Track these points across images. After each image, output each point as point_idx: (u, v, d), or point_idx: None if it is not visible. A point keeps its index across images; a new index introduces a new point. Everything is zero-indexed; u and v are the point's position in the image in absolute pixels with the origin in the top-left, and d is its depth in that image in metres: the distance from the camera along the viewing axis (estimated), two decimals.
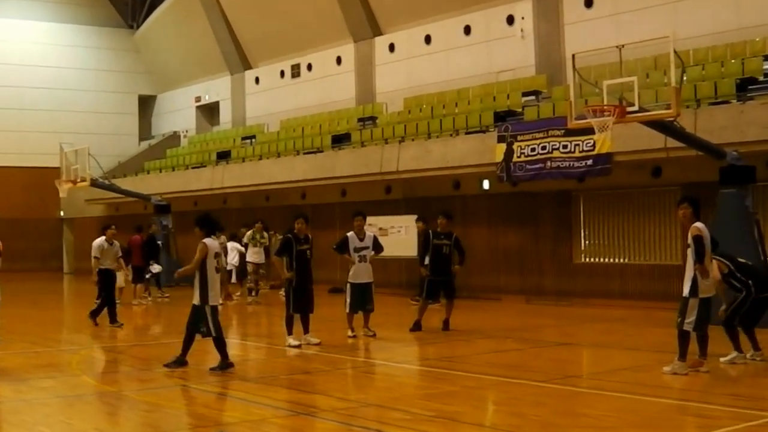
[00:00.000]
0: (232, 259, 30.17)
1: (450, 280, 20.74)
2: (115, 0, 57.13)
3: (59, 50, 54.10)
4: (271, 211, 36.03)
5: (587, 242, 28.51)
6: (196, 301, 14.79)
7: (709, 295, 13.96)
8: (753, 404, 11.97)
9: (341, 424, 10.96)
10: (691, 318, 13.79)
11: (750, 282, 15.11)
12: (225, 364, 14.81)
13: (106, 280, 22.87)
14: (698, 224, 13.91)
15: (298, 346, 17.71)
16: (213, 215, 16.48)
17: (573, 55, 20.09)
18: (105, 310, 22.47)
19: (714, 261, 14.81)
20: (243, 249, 30.19)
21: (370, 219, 26.60)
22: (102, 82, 55.24)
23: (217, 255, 14.97)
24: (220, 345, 14.89)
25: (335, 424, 11.05)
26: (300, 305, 18.05)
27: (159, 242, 31.89)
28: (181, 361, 14.91)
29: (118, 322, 22.24)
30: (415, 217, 29.30)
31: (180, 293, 28.63)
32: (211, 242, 14.95)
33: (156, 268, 30.04)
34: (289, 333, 18.04)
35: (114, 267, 23.47)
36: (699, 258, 13.68)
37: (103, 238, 23.17)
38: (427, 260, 20.98)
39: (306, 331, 18.22)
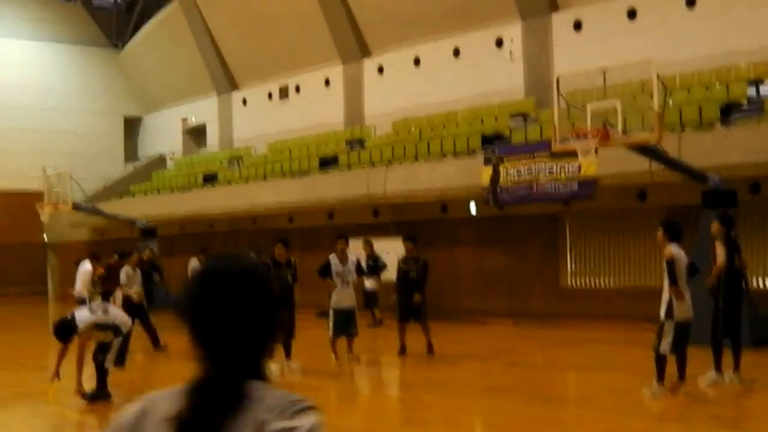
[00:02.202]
0: None
1: (418, 303, 20.56)
2: (99, 18, 56.90)
3: (43, 69, 53.58)
4: (258, 234, 35.94)
5: (573, 265, 28.52)
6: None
7: (686, 318, 13.95)
8: (731, 424, 12.02)
9: None
10: (667, 341, 13.83)
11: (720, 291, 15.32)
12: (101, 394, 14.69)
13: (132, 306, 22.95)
14: (672, 247, 13.95)
15: (280, 373, 17.65)
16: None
17: (557, 78, 20.12)
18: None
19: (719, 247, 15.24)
20: None
21: (357, 242, 26.67)
22: (87, 102, 54.77)
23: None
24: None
25: None
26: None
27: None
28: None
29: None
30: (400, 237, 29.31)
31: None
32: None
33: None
34: (270, 358, 17.90)
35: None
36: (673, 281, 13.73)
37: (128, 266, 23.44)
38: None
39: (288, 356, 18.15)
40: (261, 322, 2.93)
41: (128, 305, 22.89)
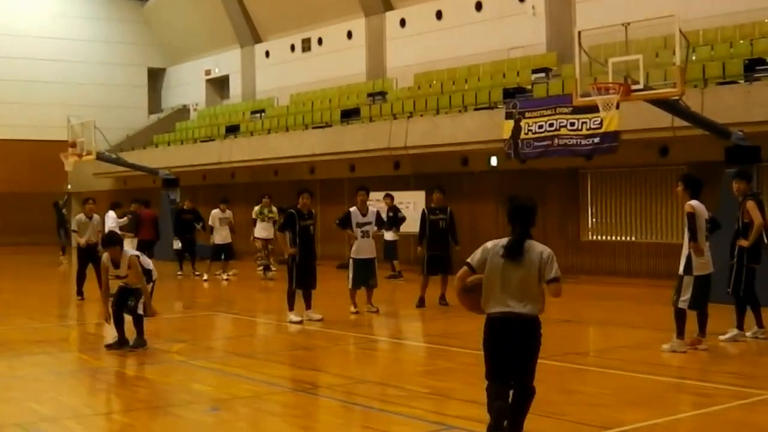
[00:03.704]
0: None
1: (447, 254, 20.61)
2: None
3: (68, 21, 53.71)
4: (279, 185, 35.97)
5: (594, 220, 28.49)
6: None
7: (706, 273, 13.89)
8: (749, 382, 11.97)
9: (336, 401, 11.00)
10: (686, 296, 13.76)
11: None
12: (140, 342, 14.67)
13: (84, 254, 22.87)
14: (692, 202, 13.81)
15: (300, 322, 17.72)
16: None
17: (579, 33, 20.02)
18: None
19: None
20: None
21: (378, 194, 26.76)
22: (111, 54, 54.88)
23: None
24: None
25: (330, 400, 11.09)
26: (302, 281, 18.08)
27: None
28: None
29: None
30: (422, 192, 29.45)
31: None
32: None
33: (176, 244, 29.86)
34: (291, 309, 18.03)
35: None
36: (692, 236, 13.65)
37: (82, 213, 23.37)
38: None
39: (308, 306, 18.25)
40: (534, 218, 8.45)
41: (81, 252, 22.92)
